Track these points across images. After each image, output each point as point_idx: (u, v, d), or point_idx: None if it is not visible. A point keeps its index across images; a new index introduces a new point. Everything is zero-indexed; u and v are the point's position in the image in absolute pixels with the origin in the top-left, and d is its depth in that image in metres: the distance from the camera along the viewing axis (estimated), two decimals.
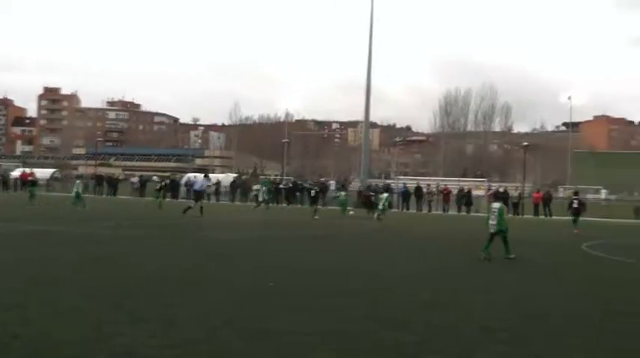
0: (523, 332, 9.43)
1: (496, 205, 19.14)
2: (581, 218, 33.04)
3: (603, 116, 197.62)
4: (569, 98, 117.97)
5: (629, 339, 9.29)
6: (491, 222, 18.66)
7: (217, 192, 56.23)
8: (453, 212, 48.79)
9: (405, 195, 51.63)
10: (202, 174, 42.01)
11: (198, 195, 36.33)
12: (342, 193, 44.16)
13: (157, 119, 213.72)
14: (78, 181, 41.64)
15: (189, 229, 26.55)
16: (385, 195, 40.74)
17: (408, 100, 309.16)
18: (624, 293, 13.58)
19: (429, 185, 53.35)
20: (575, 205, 33.06)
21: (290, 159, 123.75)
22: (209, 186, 44.63)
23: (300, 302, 11.00)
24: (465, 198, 50.01)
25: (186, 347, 7.81)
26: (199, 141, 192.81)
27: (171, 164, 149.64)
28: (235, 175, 72.75)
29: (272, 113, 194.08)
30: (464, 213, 48.22)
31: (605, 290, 13.96)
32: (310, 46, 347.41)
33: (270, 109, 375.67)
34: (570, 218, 33.20)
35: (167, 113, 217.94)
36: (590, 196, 74.60)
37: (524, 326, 9.76)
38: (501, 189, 51.14)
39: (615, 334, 9.57)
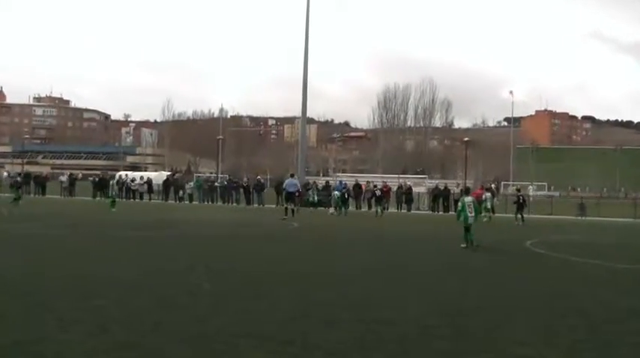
0: (463, 328, 9.46)
1: (469, 199, 21.73)
2: (525, 215, 34.85)
3: (545, 111, 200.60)
4: (511, 93, 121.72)
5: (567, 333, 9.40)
6: (470, 214, 20.91)
7: (150, 191, 55.47)
8: (392, 209, 49.04)
9: (344, 193, 51.48)
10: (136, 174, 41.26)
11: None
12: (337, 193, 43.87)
13: (86, 115, 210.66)
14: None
15: (118, 228, 26.11)
16: (336, 193, 41.29)
17: (347, 96, 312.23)
18: (567, 290, 13.76)
19: (368, 182, 53.45)
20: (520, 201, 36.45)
21: (225, 156, 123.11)
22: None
23: (235, 303, 10.83)
24: (405, 196, 50.28)
25: (119, 352, 7.64)
26: (131, 138, 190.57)
27: (102, 162, 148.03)
28: (168, 173, 72.02)
29: (206, 109, 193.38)
30: (404, 211, 48.52)
31: (547, 287, 14.12)
32: (245, 40, 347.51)
33: (204, 105, 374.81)
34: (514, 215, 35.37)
35: (98, 109, 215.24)
36: (533, 193, 75.90)
37: (463, 322, 9.80)
38: (441, 186, 51.69)
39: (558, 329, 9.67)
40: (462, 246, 20.74)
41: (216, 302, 10.85)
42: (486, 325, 9.76)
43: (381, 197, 43.58)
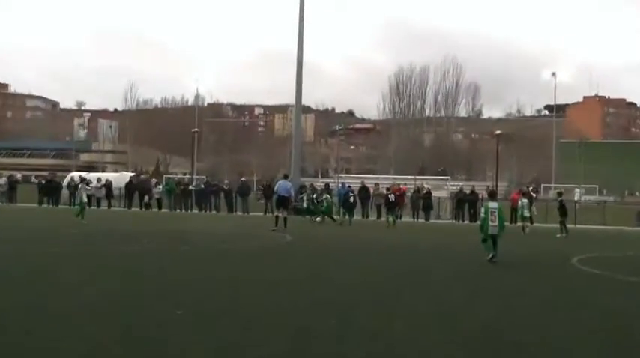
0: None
1: (494, 205, 21.76)
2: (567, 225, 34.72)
3: (596, 97, 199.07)
4: (553, 75, 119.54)
5: None
6: (491, 223, 21.13)
7: (109, 196, 55.30)
8: (408, 218, 49.02)
9: (347, 198, 51.23)
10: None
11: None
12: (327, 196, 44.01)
13: (30, 103, 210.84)
14: None
15: (78, 242, 26.08)
16: (326, 196, 41.26)
17: (351, 79, 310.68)
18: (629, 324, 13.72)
19: (376, 185, 53.38)
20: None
21: (202, 153, 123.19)
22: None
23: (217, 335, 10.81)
24: (423, 202, 50.19)
25: None
26: (85, 131, 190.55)
27: (50, 161, 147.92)
28: (132, 174, 71.96)
29: (178, 96, 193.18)
30: (422, 220, 48.52)
31: (601, 315, 14.07)
32: (226, 9, 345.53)
33: (175, 91, 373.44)
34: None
35: (43, 96, 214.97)
36: (580, 198, 75.85)
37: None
38: (467, 190, 51.67)
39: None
40: (488, 258, 21.26)
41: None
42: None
43: (395, 203, 43.32)
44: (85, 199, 38.78)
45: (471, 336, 11.14)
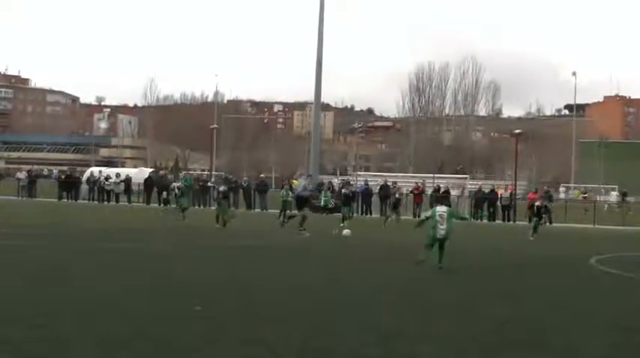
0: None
1: (442, 209, 20.64)
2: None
3: (617, 96, 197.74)
4: (574, 74, 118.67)
5: None
6: (440, 227, 19.82)
7: (128, 191, 55.41)
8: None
9: (367, 195, 51.73)
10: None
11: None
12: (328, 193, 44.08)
13: (50, 98, 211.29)
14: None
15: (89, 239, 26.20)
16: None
17: (371, 77, 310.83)
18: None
19: (395, 183, 53.36)
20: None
21: (221, 149, 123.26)
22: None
23: (228, 329, 10.93)
24: (442, 200, 50.17)
25: None
26: (105, 126, 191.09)
27: (70, 156, 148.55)
28: (151, 170, 72.16)
29: (198, 92, 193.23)
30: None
31: (619, 312, 14.26)
32: (246, 6, 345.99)
33: (195, 87, 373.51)
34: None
35: (64, 91, 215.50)
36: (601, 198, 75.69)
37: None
38: (486, 189, 51.62)
39: None
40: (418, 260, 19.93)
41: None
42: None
43: (399, 201, 44.09)
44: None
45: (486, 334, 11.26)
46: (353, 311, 13.19)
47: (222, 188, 37.41)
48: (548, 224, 38.55)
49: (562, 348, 10.57)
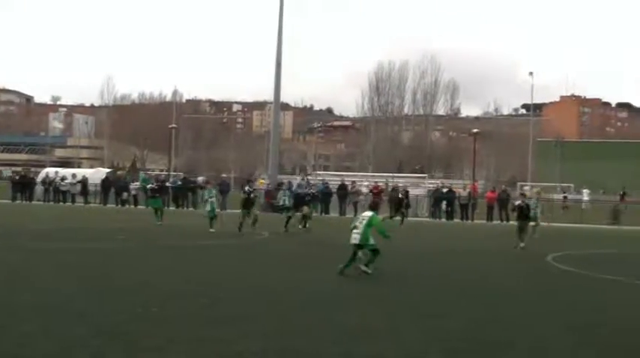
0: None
1: (367, 214, 19.11)
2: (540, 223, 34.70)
3: (572, 97, 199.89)
4: (531, 74, 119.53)
5: None
6: (354, 231, 18.45)
7: (84, 192, 55.07)
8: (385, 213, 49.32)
9: (326, 195, 51.73)
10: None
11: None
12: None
13: (3, 97, 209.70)
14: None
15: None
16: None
17: (330, 77, 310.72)
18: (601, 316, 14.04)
19: (353, 182, 53.56)
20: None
21: (179, 149, 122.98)
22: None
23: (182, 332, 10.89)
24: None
25: None
26: (61, 126, 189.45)
27: (24, 156, 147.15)
28: (108, 170, 71.71)
29: (156, 92, 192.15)
30: (398, 218, 48.73)
31: (579, 311, 14.49)
32: (204, 5, 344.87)
33: (153, 87, 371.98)
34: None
35: (17, 90, 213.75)
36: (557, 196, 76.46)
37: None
38: (444, 189, 51.92)
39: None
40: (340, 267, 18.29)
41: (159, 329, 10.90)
42: None
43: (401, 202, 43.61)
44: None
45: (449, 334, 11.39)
46: (314, 309, 13.34)
47: (149, 186, 37.38)
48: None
49: (528, 348, 10.67)
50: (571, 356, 10.54)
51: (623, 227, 44.72)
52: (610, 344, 11.38)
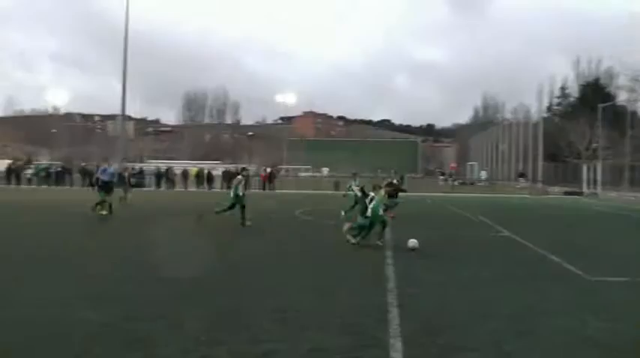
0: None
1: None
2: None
3: (310, 112, 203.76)
4: (284, 98, 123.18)
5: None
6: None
7: None
8: (192, 188, 49.96)
9: (158, 176, 52.42)
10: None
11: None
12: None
13: None
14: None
15: None
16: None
17: (156, 97, 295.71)
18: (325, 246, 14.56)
19: (170, 167, 54.67)
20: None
21: (59, 147, 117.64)
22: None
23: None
24: (206, 178, 51.50)
25: None
26: None
27: None
28: (10, 161, 67.42)
29: (43, 107, 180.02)
30: (204, 189, 49.50)
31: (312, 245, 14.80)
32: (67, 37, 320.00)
33: (41, 104, 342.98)
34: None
35: None
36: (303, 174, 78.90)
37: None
38: (232, 170, 52.69)
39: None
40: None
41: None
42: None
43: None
44: None
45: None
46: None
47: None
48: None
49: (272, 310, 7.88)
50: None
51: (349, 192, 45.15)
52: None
